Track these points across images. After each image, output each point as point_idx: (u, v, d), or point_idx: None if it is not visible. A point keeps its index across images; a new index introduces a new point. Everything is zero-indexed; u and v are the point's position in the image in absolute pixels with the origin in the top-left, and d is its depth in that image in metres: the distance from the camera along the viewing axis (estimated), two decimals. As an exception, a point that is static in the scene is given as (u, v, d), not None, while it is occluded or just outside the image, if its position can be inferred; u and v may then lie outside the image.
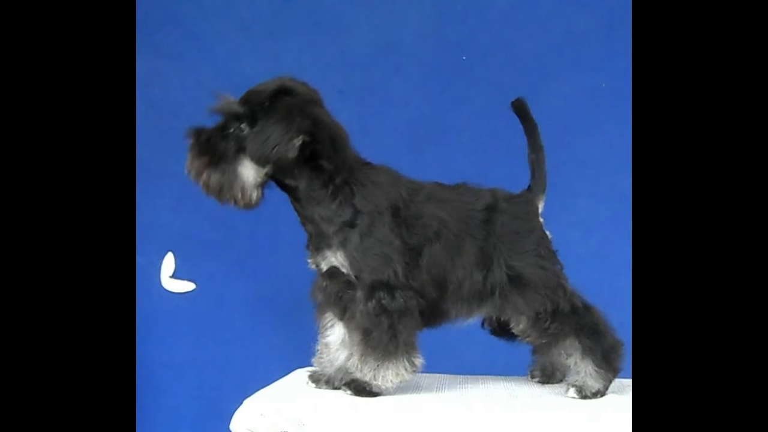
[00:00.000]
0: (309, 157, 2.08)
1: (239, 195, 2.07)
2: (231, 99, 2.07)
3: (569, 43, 3.07)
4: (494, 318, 2.27)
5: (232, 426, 2.05)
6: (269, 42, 3.07)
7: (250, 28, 3.08)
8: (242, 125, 2.06)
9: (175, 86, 3.05)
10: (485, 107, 3.02)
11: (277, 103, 2.05)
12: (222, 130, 2.07)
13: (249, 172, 2.07)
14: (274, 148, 2.01)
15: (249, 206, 2.10)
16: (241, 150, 2.06)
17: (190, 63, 3.05)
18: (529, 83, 2.94)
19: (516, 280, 2.19)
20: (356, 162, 2.15)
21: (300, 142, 2.03)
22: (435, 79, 3.09)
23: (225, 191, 2.07)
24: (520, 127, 2.34)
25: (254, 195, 2.09)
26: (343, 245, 2.11)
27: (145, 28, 3.06)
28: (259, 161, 2.05)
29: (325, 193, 2.11)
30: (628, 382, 2.32)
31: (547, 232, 2.27)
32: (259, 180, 2.08)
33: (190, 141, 2.09)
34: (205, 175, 2.06)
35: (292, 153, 2.03)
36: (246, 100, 2.07)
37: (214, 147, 2.06)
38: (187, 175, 2.09)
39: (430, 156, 2.95)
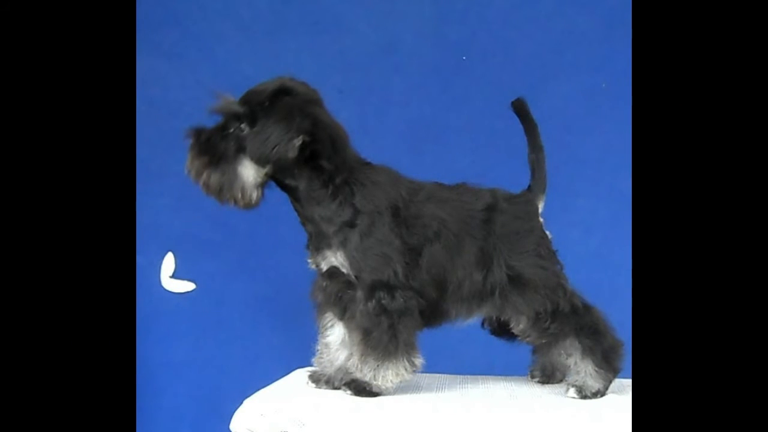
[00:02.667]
0: (309, 157, 2.08)
1: (239, 195, 2.07)
2: (231, 99, 2.07)
3: (569, 43, 3.08)
4: (494, 318, 2.27)
5: (232, 426, 2.05)
6: (269, 42, 3.07)
7: (249, 27, 3.08)
8: (242, 125, 2.06)
9: (175, 86, 3.05)
10: (485, 107, 3.02)
11: (277, 103, 2.05)
12: (222, 130, 2.07)
13: (249, 172, 2.06)
14: (274, 148, 2.01)
15: (249, 206, 2.10)
16: (241, 150, 2.05)
17: (189, 63, 3.05)
18: (529, 83, 2.95)
19: (516, 280, 2.19)
20: (356, 162, 2.15)
21: (300, 142, 2.03)
22: (435, 79, 3.09)
23: (225, 191, 2.07)
24: (519, 127, 2.34)
25: (254, 195, 2.09)
26: (343, 245, 2.11)
27: (145, 28, 3.06)
28: (259, 161, 2.05)
29: (325, 193, 2.10)
30: (628, 382, 2.32)
31: (547, 232, 2.27)
32: (259, 180, 2.08)
33: (190, 141, 2.09)
34: (205, 175, 2.06)
35: (292, 153, 2.03)
36: (246, 100, 2.07)
37: (214, 147, 2.06)
38: (187, 175, 2.09)
39: (430, 156, 2.95)
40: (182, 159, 3.09)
